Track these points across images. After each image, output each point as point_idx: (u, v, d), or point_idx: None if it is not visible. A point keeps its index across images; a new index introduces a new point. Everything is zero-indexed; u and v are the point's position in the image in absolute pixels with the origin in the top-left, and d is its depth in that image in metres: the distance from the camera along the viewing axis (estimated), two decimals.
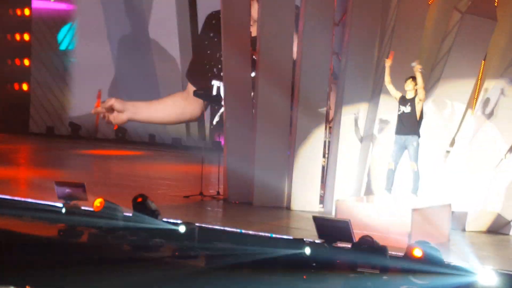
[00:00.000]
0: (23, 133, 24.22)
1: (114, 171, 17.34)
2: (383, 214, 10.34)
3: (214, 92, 19.05)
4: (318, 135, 12.51)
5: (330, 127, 12.82)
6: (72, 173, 15.63)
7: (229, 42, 13.11)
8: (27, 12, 24.68)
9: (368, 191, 11.86)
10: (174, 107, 21.40)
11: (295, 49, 12.80)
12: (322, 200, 12.51)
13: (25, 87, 24.94)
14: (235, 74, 13.11)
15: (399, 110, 10.87)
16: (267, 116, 12.67)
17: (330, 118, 12.87)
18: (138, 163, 18.69)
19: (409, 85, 10.78)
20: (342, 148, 12.17)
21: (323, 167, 12.64)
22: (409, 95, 10.80)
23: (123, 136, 22.83)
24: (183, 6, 21.84)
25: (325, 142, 12.67)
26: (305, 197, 12.44)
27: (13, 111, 24.70)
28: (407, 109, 10.77)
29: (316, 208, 12.41)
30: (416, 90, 10.74)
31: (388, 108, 11.48)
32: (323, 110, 12.51)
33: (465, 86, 11.65)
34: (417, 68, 10.69)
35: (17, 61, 25.03)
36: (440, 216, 10.69)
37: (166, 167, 18.02)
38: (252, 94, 13.13)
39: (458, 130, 11.75)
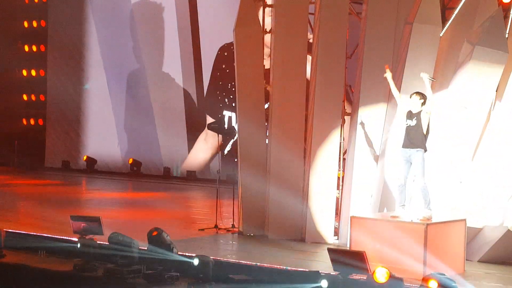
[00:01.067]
0: (38, 167, 24.38)
1: (129, 203, 17.39)
2: (398, 228, 10.32)
3: (226, 123, 19.22)
4: (332, 167, 12.54)
5: (344, 159, 12.86)
6: (87, 207, 15.71)
7: (243, 75, 13.21)
8: (42, 48, 24.97)
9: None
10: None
11: (307, 81, 12.89)
12: (336, 232, 12.50)
13: (41, 121, 25.15)
14: (249, 107, 13.19)
15: (406, 124, 10.81)
16: (281, 150, 12.71)
17: (344, 149, 12.91)
18: (153, 196, 18.74)
19: (414, 99, 10.75)
20: (356, 181, 12.18)
21: (337, 199, 12.66)
22: (415, 110, 10.75)
23: (138, 170, 22.95)
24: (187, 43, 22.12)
25: (339, 174, 12.69)
26: (320, 229, 12.44)
27: (29, 146, 24.89)
28: (413, 122, 10.70)
29: (331, 240, 12.40)
30: (422, 104, 10.67)
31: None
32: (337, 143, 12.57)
33: (478, 117, 11.66)
34: (426, 77, 10.70)
35: (33, 96, 25.28)
36: (455, 232, 10.67)
37: (181, 200, 18.07)
38: (266, 125, 13.20)
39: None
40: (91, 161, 23.83)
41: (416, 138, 10.68)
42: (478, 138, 11.65)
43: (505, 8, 12.02)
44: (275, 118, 12.79)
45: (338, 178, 12.74)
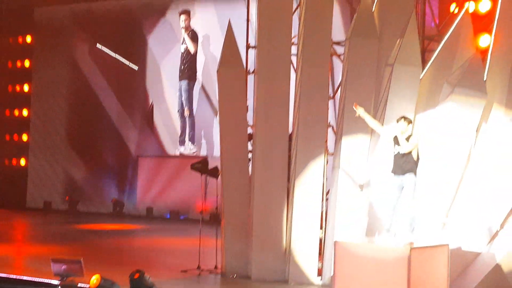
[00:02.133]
0: (19, 208, 24.23)
1: (112, 246, 17.31)
2: (381, 253, 10.40)
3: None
4: (315, 207, 12.58)
5: (327, 199, 12.90)
6: (69, 248, 15.61)
7: (226, 115, 13.28)
8: (26, 88, 24.97)
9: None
10: None
11: (291, 121, 12.99)
12: (320, 272, 12.50)
13: (22, 162, 25.07)
14: (232, 147, 13.24)
15: (394, 151, 10.89)
16: (264, 190, 12.76)
17: (327, 190, 12.96)
18: (135, 237, 18.67)
19: (402, 124, 10.84)
20: (339, 221, 12.22)
21: (320, 239, 12.68)
22: (404, 136, 10.82)
23: (121, 210, 22.86)
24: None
25: (322, 213, 12.73)
26: (303, 270, 12.44)
27: (10, 186, 24.76)
28: (400, 149, 10.80)
29: (315, 280, 12.40)
30: (409, 127, 10.82)
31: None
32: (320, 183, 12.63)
33: (457, 159, 11.78)
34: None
35: (16, 136, 25.22)
36: (438, 256, 10.73)
37: (163, 241, 18.01)
38: (250, 166, 13.25)
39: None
40: (73, 201, 23.72)
41: (407, 163, 10.74)
42: (459, 178, 11.77)
43: (483, 51, 12.23)
44: (258, 158, 12.86)
45: (321, 218, 12.77)
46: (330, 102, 13.41)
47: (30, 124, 24.86)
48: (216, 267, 13.37)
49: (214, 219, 15.80)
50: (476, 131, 11.81)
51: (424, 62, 12.55)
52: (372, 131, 11.91)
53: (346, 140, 12.36)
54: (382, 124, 11.56)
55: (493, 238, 11.54)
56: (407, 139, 10.81)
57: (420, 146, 11.02)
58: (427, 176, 11.53)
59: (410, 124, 10.89)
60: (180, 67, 21.77)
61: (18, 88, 25.14)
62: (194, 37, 21.70)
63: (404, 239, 10.64)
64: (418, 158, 10.85)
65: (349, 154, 12.33)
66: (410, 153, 10.77)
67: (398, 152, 10.83)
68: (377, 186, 11.91)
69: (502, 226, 11.53)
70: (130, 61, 22.97)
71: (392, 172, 10.90)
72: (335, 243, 10.96)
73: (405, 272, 10.04)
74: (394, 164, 10.89)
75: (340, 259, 10.68)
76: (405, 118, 10.90)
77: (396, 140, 10.88)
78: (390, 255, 10.28)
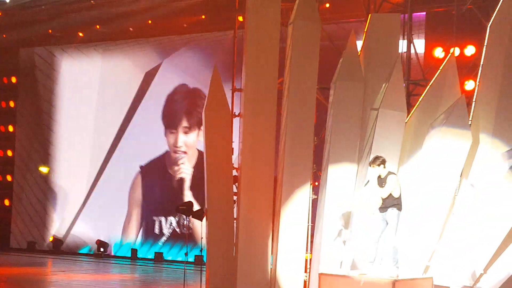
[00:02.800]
0: (3, 248, 24.03)
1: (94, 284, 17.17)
2: (366, 285, 10.40)
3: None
4: (300, 249, 12.56)
5: (311, 242, 12.89)
6: None
7: (212, 158, 13.29)
8: (10, 128, 24.94)
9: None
10: None
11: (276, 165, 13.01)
12: None
13: (6, 202, 24.94)
14: (218, 188, 13.24)
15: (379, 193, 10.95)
16: (249, 232, 12.72)
17: (312, 232, 12.96)
18: (120, 278, 18.51)
19: (375, 169, 10.85)
20: (324, 262, 12.21)
21: (304, 282, 12.64)
22: (383, 174, 10.90)
23: (105, 250, 22.72)
24: None
25: (306, 257, 12.71)
26: None
27: None
28: (384, 190, 10.83)
29: None
30: (384, 166, 10.85)
31: None
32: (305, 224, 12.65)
33: (441, 202, 11.83)
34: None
35: (0, 177, 25.12)
36: None
37: (148, 283, 17.87)
38: (235, 209, 13.24)
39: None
40: (57, 242, 23.57)
41: (389, 200, 10.83)
42: (444, 220, 11.81)
43: (468, 96, 12.34)
44: (244, 201, 12.83)
45: (306, 260, 12.76)
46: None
47: (14, 165, 24.77)
48: None
49: (198, 260, 15.73)
50: (461, 175, 11.86)
51: (409, 106, 12.65)
52: (356, 174, 11.96)
53: (331, 183, 12.39)
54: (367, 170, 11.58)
55: (477, 281, 11.56)
56: (384, 179, 10.87)
57: (401, 183, 11.08)
58: (412, 213, 11.58)
59: (381, 165, 10.89)
60: None
61: (2, 128, 25.10)
62: None
63: (388, 272, 10.70)
64: (400, 193, 10.94)
65: (335, 192, 12.41)
66: (390, 192, 10.85)
67: (382, 194, 10.92)
68: (361, 221, 11.94)
69: (485, 270, 11.54)
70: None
71: (380, 211, 10.96)
72: (320, 275, 11.01)
73: None
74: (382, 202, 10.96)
75: None
76: (376, 159, 10.90)
77: (379, 181, 10.93)
78: (375, 287, 10.27)
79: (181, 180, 21.62)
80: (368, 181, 11.02)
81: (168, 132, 22.02)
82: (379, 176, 10.88)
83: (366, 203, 11.16)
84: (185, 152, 21.63)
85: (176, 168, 21.78)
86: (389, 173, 10.94)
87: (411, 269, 11.39)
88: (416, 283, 10.79)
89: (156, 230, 21.96)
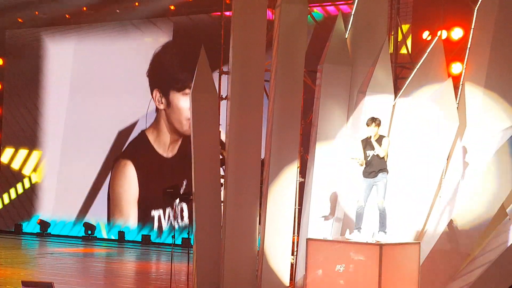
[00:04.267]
0: None
1: (84, 269, 17.19)
2: (353, 249, 10.57)
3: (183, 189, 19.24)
4: (287, 234, 12.60)
5: (299, 224, 12.93)
6: (40, 272, 15.46)
7: (199, 140, 13.28)
8: None
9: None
10: None
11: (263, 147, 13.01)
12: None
13: None
14: (205, 171, 13.23)
15: (367, 155, 11.14)
16: (236, 215, 12.74)
17: (299, 215, 13.00)
18: (108, 261, 18.54)
19: (373, 128, 11.08)
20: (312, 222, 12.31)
21: (291, 264, 12.69)
22: (374, 138, 11.11)
23: (92, 233, 22.73)
24: None
25: (294, 238, 12.76)
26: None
27: None
28: (374, 151, 11.06)
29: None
30: (379, 127, 11.14)
31: None
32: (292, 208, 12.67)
33: (430, 182, 11.89)
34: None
35: None
36: (409, 254, 10.90)
37: (136, 264, 17.91)
38: (222, 192, 13.25)
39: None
40: (44, 224, 23.55)
41: (379, 165, 11.03)
42: (430, 203, 11.88)
43: (455, 79, 12.35)
44: (231, 184, 12.84)
45: (293, 243, 12.80)
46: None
47: (1, 147, 24.70)
48: None
49: (186, 243, 15.77)
50: (448, 158, 11.90)
51: (396, 89, 12.65)
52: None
53: (317, 166, 12.43)
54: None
55: None
56: (379, 140, 11.08)
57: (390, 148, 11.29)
58: (398, 199, 11.67)
59: (380, 126, 11.15)
60: None
61: None
62: None
63: (376, 237, 10.84)
64: (387, 156, 11.16)
65: (321, 174, 12.47)
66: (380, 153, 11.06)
67: (373, 155, 11.08)
68: (347, 185, 12.03)
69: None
70: None
71: (366, 176, 11.15)
72: (307, 240, 11.17)
73: (376, 269, 10.22)
74: (366, 167, 11.14)
75: (312, 256, 10.83)
76: (373, 120, 11.13)
77: (369, 144, 11.05)
78: (362, 252, 10.49)
79: None
80: (364, 141, 11.18)
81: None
82: (368, 139, 11.09)
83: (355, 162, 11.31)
84: None
85: None
86: (382, 136, 11.16)
87: (400, 233, 11.53)
88: (404, 247, 10.91)
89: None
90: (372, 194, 11.20)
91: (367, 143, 11.18)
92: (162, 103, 22.32)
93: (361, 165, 11.21)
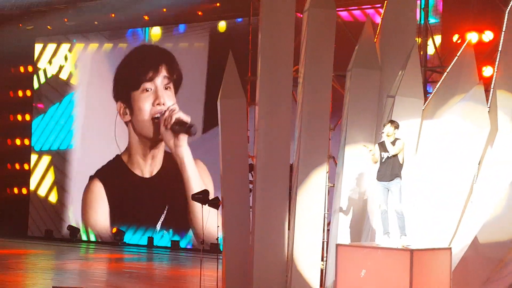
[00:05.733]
0: (21, 236, 24.16)
1: (112, 274, 17.23)
2: (383, 255, 10.53)
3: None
4: (317, 239, 12.51)
5: (328, 230, 12.86)
6: (71, 278, 15.51)
7: (227, 146, 13.25)
8: (27, 117, 25.00)
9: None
10: None
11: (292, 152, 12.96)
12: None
13: (24, 190, 25.05)
14: (233, 176, 13.20)
15: (381, 157, 11.12)
16: (265, 221, 12.68)
17: (328, 221, 12.93)
18: (137, 266, 18.58)
19: (388, 128, 11.07)
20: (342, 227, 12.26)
21: (321, 271, 12.61)
22: (390, 139, 11.04)
23: (121, 239, 22.78)
24: None
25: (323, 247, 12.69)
26: None
27: (12, 215, 24.73)
28: (388, 153, 11.04)
29: None
30: (395, 130, 11.14)
31: None
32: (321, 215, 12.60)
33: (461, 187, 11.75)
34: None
35: (17, 165, 25.22)
36: (440, 260, 10.83)
37: (165, 270, 17.93)
38: (251, 197, 13.20)
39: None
40: (74, 230, 23.66)
41: (394, 168, 11.02)
42: (462, 209, 11.76)
43: (486, 82, 12.22)
44: (259, 189, 12.79)
45: (323, 248, 12.73)
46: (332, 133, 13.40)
47: (31, 153, 24.85)
48: None
49: (214, 249, 15.74)
50: (479, 162, 11.77)
51: (426, 93, 12.54)
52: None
53: (347, 171, 12.34)
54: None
55: None
56: (393, 142, 11.04)
57: (406, 151, 11.24)
58: (430, 203, 11.62)
59: (397, 129, 11.12)
60: None
61: (19, 117, 25.17)
62: None
63: (400, 242, 10.80)
64: (403, 162, 11.11)
65: (351, 179, 12.47)
66: (396, 157, 11.00)
67: (386, 158, 11.07)
68: (372, 190, 12.03)
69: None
70: None
71: (379, 178, 11.14)
72: (337, 246, 11.16)
73: (407, 274, 10.16)
74: (380, 170, 11.13)
75: (342, 262, 10.84)
76: (392, 122, 11.14)
77: (383, 147, 11.03)
78: (392, 257, 10.37)
79: None
80: (379, 143, 11.17)
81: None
82: (388, 139, 11.08)
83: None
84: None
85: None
86: (398, 138, 11.14)
87: (425, 238, 11.46)
88: (435, 253, 10.81)
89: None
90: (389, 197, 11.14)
91: (381, 145, 11.16)
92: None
93: (374, 162, 11.15)
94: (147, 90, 21.93)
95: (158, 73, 21.94)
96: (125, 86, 22.73)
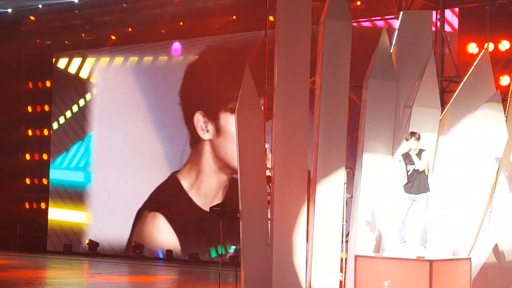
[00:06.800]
0: (40, 251, 24.26)
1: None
2: (402, 266, 10.54)
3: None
4: (335, 249, 12.51)
5: (347, 241, 12.84)
6: None
7: (245, 158, 13.28)
8: (46, 132, 25.15)
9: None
10: None
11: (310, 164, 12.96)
12: None
13: (43, 205, 25.17)
14: (251, 188, 13.22)
15: (407, 170, 11.09)
16: (283, 232, 12.69)
17: (346, 232, 12.91)
18: (156, 280, 18.60)
19: (412, 142, 11.05)
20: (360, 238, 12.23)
21: (340, 282, 12.58)
22: (414, 152, 11.01)
23: (141, 253, 22.82)
24: None
25: (342, 256, 12.66)
26: None
27: (31, 229, 24.85)
28: (416, 166, 11.02)
29: None
30: (418, 142, 11.15)
31: None
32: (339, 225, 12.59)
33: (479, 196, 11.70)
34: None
35: (36, 180, 25.36)
36: (459, 270, 10.82)
37: (183, 284, 17.93)
38: (269, 209, 13.21)
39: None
40: (93, 244, 23.73)
41: (423, 182, 11.03)
42: (481, 217, 11.72)
43: (503, 91, 12.19)
44: (277, 201, 12.80)
45: (341, 260, 12.70)
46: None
47: (50, 167, 24.99)
48: None
49: (233, 261, 15.75)
50: (497, 172, 11.73)
51: (443, 103, 12.53)
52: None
53: (365, 182, 12.34)
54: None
55: None
56: (418, 155, 11.02)
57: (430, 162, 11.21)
58: (449, 211, 11.57)
59: (419, 140, 11.13)
60: None
61: (38, 132, 25.33)
62: None
63: (416, 252, 10.79)
64: (428, 171, 11.11)
65: (369, 190, 12.43)
66: (423, 169, 11.00)
67: (412, 170, 11.00)
68: (393, 200, 11.97)
69: None
70: None
71: (406, 191, 11.10)
72: (356, 257, 11.17)
73: (427, 285, 10.20)
74: (409, 182, 11.09)
75: (361, 273, 10.85)
76: (413, 134, 11.13)
77: (409, 159, 10.96)
78: (411, 268, 10.34)
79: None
80: (404, 155, 11.13)
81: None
82: (407, 154, 11.07)
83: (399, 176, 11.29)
84: None
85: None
86: (422, 150, 11.12)
87: (450, 250, 11.40)
88: (454, 263, 10.77)
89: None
90: (412, 209, 11.10)
91: (407, 157, 11.12)
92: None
93: (403, 177, 11.15)
94: None
95: None
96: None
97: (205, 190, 21.63)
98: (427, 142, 11.96)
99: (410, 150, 11.14)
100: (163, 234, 22.69)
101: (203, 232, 21.41)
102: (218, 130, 21.31)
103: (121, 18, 22.34)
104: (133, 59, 23.45)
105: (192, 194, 21.99)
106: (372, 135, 12.42)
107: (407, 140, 11.16)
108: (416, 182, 11.00)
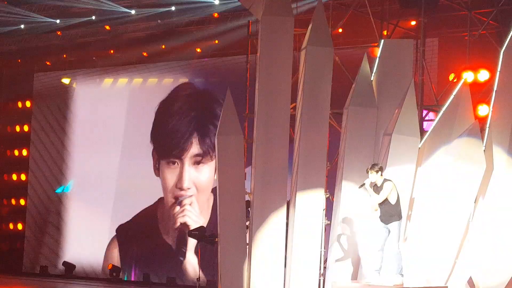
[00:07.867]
0: (15, 272, 24.02)
1: None
2: None
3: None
4: (313, 274, 12.50)
5: (324, 267, 12.84)
6: None
7: (224, 182, 13.27)
8: (24, 152, 25.01)
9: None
10: None
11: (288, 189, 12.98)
12: None
13: (19, 226, 24.97)
14: (230, 214, 13.20)
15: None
16: (263, 258, 12.67)
17: (325, 258, 12.91)
18: None
19: (372, 175, 11.03)
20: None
21: None
22: (379, 182, 11.04)
23: (117, 276, 22.66)
24: None
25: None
26: None
27: (6, 250, 24.62)
28: (380, 197, 11.03)
29: None
30: (380, 174, 11.07)
31: None
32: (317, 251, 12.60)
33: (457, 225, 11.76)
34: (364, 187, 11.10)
35: (13, 200, 25.18)
36: None
37: None
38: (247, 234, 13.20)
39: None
40: (69, 266, 23.53)
41: (389, 211, 11.00)
42: (458, 246, 11.76)
43: (482, 121, 12.30)
44: (256, 226, 12.78)
45: (319, 285, 12.72)
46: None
47: (28, 189, 24.82)
48: None
49: (211, 286, 15.67)
50: (475, 201, 11.80)
51: (422, 131, 12.62)
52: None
53: (343, 208, 12.37)
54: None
55: None
56: (381, 187, 11.01)
57: (397, 189, 11.16)
58: (427, 239, 11.59)
59: (381, 171, 11.08)
60: None
61: (16, 152, 25.17)
62: None
63: (393, 280, 10.80)
64: (398, 200, 11.07)
65: (348, 217, 12.49)
66: (386, 201, 10.99)
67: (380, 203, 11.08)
68: (365, 230, 12.01)
69: None
70: None
71: (380, 220, 11.12)
72: (332, 284, 11.07)
73: None
74: (380, 211, 11.12)
75: None
76: (372, 167, 11.12)
77: (375, 189, 11.10)
78: None
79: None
80: (364, 184, 11.10)
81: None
82: (375, 185, 11.04)
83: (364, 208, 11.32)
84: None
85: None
86: (385, 180, 11.07)
87: (417, 277, 11.42)
88: None
89: None
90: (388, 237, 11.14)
91: (376, 189, 11.11)
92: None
93: (375, 210, 11.16)
94: None
95: None
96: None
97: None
98: (405, 170, 12.03)
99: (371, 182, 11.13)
100: (140, 258, 22.57)
101: (180, 255, 21.31)
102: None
103: (103, 40, 22.34)
104: (123, 80, 23.42)
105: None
106: (351, 161, 12.48)
107: (367, 172, 11.13)
108: (383, 213, 11.02)
